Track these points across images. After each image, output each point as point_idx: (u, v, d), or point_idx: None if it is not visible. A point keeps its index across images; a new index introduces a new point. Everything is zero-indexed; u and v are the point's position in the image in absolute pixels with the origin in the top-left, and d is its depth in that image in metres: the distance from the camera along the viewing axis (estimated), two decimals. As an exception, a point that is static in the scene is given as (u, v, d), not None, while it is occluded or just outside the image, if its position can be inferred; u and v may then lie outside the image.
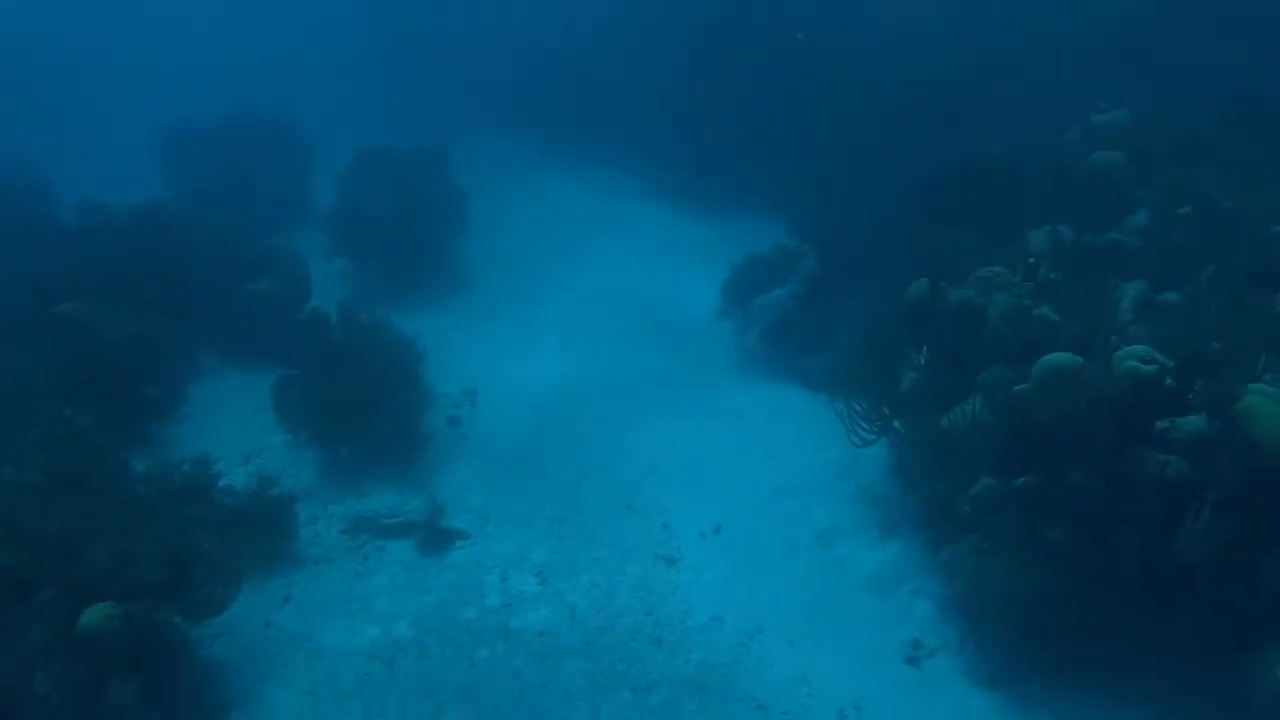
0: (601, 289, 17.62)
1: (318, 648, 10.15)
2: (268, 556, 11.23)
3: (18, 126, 24.49)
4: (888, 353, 11.71)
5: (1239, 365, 8.61)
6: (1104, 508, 8.68)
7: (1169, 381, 8.54)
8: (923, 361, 11.35)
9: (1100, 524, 8.71)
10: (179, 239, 16.19)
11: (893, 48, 17.75)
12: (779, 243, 15.17)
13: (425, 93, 24.86)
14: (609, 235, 19.62)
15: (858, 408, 11.61)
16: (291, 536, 11.55)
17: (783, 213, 17.57)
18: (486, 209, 19.98)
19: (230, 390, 14.66)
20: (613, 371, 14.93)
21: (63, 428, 11.30)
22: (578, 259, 18.76)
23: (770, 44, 19.07)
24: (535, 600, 10.64)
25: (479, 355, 15.47)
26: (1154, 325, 9.96)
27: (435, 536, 11.57)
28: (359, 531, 11.74)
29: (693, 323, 16.03)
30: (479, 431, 13.68)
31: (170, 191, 19.83)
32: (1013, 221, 12.49)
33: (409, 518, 11.81)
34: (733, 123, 19.32)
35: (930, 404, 10.90)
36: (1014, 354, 10.16)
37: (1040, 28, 17.33)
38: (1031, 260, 10.63)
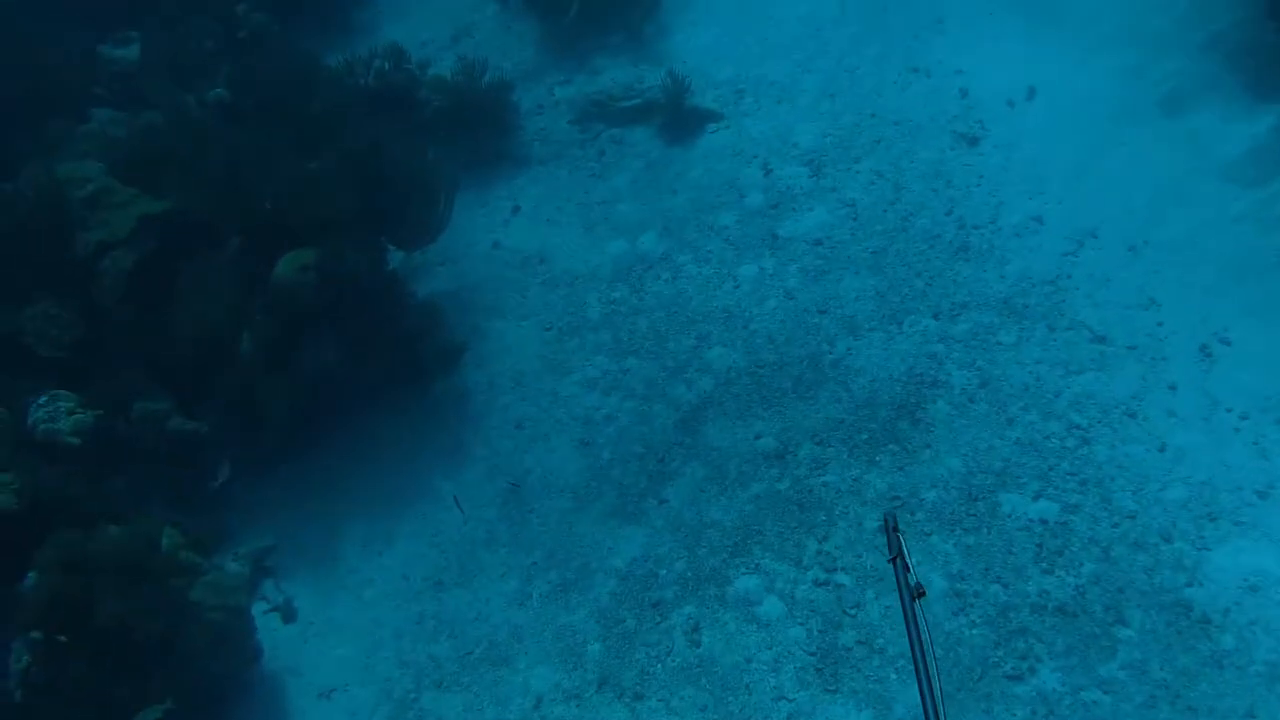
0: None
1: (555, 272, 8.69)
2: (488, 159, 9.66)
3: None
4: None
5: None
6: None
7: None
8: None
9: None
10: None
11: None
12: None
13: None
14: None
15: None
16: (513, 132, 9.88)
17: None
18: None
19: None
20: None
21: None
22: None
23: None
24: (807, 198, 8.73)
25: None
26: None
27: (680, 120, 9.64)
28: (591, 120, 9.91)
29: None
30: (727, -22, 11.25)
31: None
32: None
33: (648, 97, 9.86)
34: None
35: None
36: None
37: None
38: None
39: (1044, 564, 6.33)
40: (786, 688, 6.15)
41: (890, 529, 3.51)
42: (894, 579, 3.40)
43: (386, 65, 9.87)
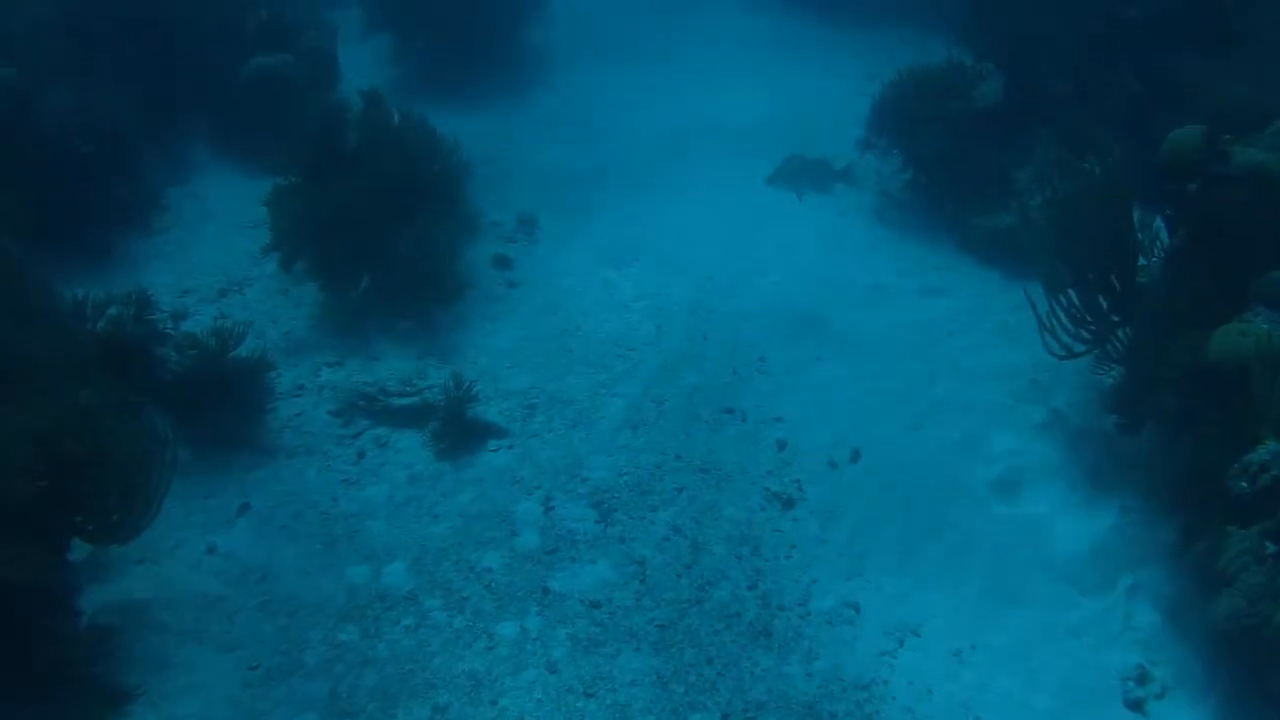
0: (710, 99, 13.71)
1: (275, 595, 7.06)
2: (227, 439, 8.14)
3: None
4: (1113, 226, 8.06)
5: None
6: None
7: None
8: (1174, 245, 7.78)
9: None
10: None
11: None
12: (951, 57, 11.24)
13: None
14: (716, 37, 15.38)
15: (1063, 300, 8.06)
16: (263, 413, 8.40)
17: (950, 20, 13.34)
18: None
19: (223, 196, 11.28)
20: (715, 205, 11.35)
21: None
22: (679, 61, 14.69)
23: None
24: (590, 547, 7.41)
25: (542, 175, 11.91)
26: None
27: (459, 430, 8.33)
28: (356, 413, 8.54)
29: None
30: (535, 278, 10.24)
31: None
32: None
33: (426, 397, 8.58)
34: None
35: (1182, 311, 7.40)
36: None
37: None
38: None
39: None
40: None
41: None
42: None
43: (128, 312, 8.35)
